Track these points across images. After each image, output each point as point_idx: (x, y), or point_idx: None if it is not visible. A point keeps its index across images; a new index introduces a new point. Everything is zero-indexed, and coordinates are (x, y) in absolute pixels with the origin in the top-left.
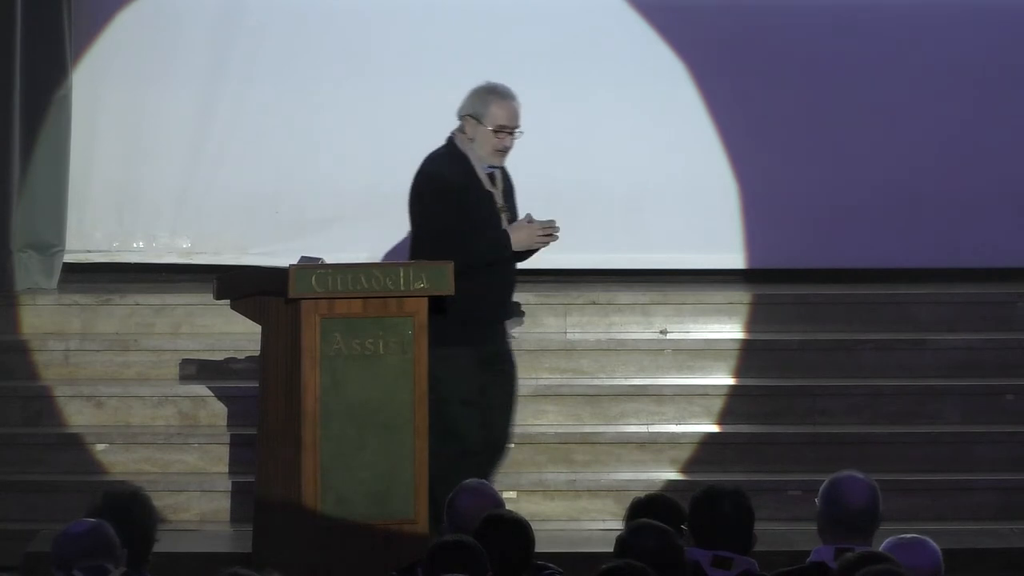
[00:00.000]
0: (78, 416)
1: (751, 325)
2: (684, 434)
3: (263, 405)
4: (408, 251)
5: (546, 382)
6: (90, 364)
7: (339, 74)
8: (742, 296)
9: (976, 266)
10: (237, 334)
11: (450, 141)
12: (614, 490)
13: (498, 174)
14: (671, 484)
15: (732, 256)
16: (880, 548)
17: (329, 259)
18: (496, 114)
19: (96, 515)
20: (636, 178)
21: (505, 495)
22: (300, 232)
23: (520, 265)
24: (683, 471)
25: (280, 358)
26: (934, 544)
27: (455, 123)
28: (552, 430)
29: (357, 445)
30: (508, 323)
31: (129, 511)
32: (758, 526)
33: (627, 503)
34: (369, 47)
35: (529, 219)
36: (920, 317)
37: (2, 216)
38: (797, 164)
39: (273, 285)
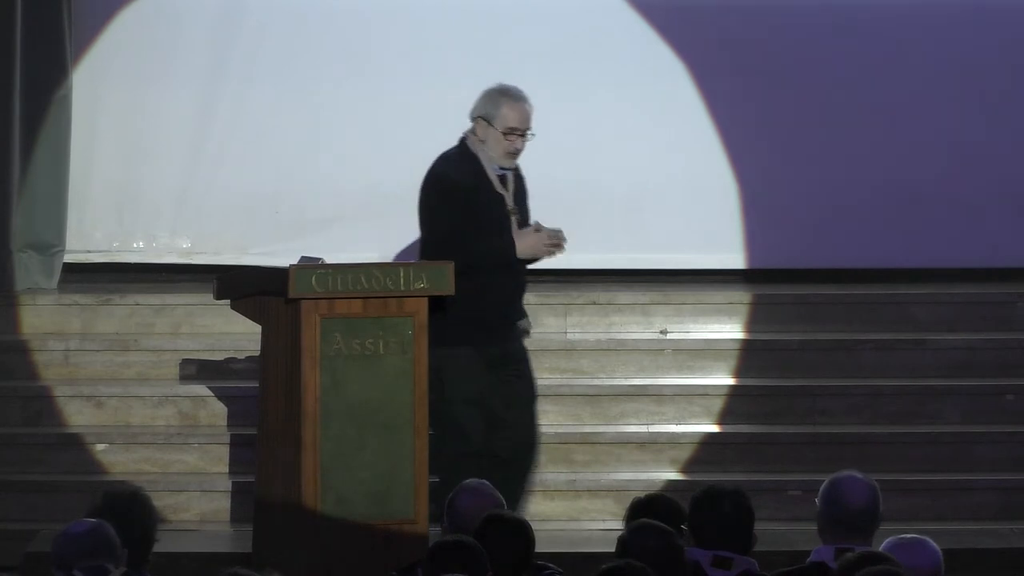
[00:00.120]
0: (78, 416)
1: (751, 325)
2: (684, 434)
3: (263, 405)
4: (407, 251)
5: (546, 382)
6: (90, 364)
7: (339, 74)
8: (742, 296)
9: (976, 266)
10: (237, 334)
11: (462, 142)
12: (614, 490)
13: (510, 176)
14: (671, 484)
15: (732, 256)
16: (880, 548)
17: (329, 259)
18: (507, 116)
19: (96, 515)
20: (636, 178)
21: None
22: (300, 232)
23: None
24: (683, 471)
25: (280, 358)
26: (934, 544)
27: (455, 123)
28: (552, 430)
29: (357, 445)
30: (520, 324)
31: (129, 511)
32: (758, 526)
33: (627, 503)
34: (369, 47)
35: (537, 227)
36: (920, 317)
37: (2, 216)
38: (797, 164)
39: (273, 285)
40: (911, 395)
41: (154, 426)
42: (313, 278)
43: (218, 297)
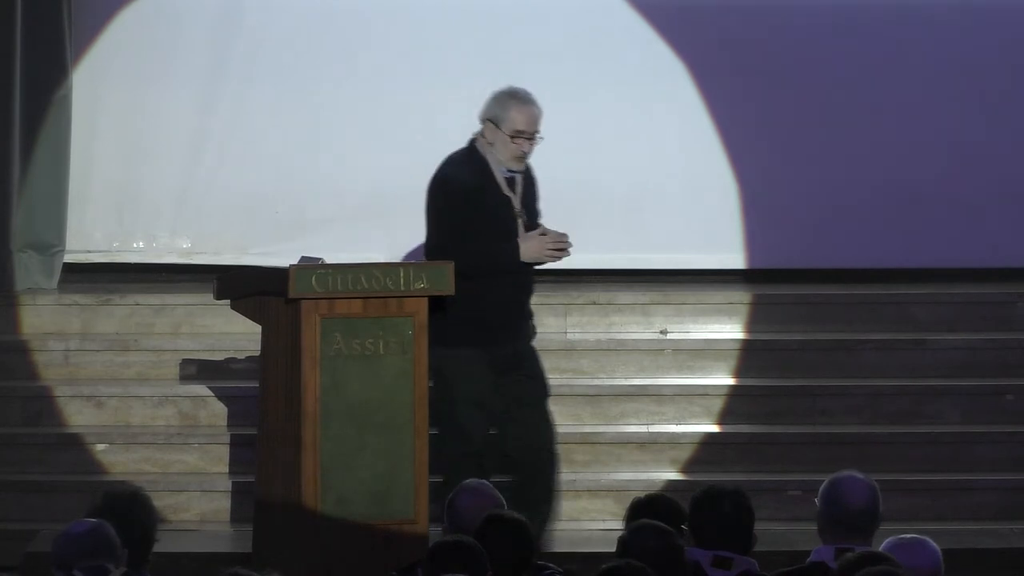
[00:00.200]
0: (78, 416)
1: (751, 325)
2: (684, 434)
3: (263, 405)
4: (408, 251)
5: None
6: (90, 364)
7: (339, 74)
8: (742, 296)
9: (976, 266)
10: (237, 334)
11: (471, 144)
12: (614, 490)
13: (519, 178)
14: (671, 484)
15: (732, 256)
16: (880, 548)
17: (329, 259)
18: (515, 119)
19: (96, 515)
20: (636, 178)
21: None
22: (300, 232)
23: None
24: (683, 471)
25: (280, 358)
26: (934, 544)
27: (455, 123)
28: None
29: (357, 445)
30: (528, 325)
31: (129, 511)
32: (758, 526)
33: (627, 503)
34: (369, 47)
35: (543, 231)
36: (920, 317)
37: (2, 216)
38: (797, 164)
39: (273, 285)
40: (911, 395)
41: (154, 426)
42: (313, 278)
43: (218, 297)
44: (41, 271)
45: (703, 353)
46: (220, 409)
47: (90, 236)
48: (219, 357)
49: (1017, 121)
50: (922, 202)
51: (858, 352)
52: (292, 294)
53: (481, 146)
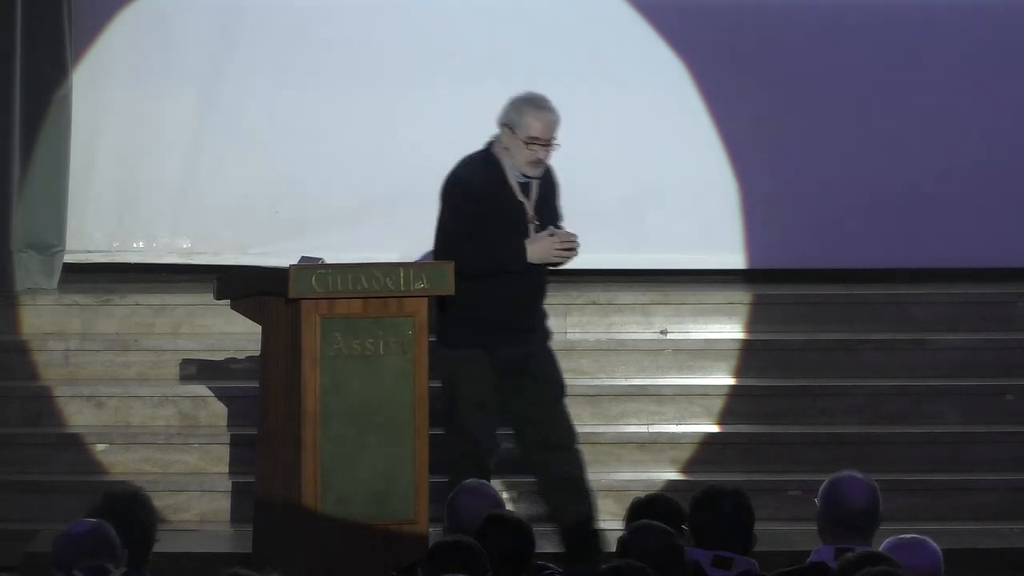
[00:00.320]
0: (78, 416)
1: (751, 325)
2: (684, 434)
3: (263, 405)
4: (408, 251)
5: None
6: (90, 364)
7: (339, 74)
8: (742, 296)
9: (976, 266)
10: (237, 334)
11: (488, 146)
12: (614, 490)
13: (534, 184)
14: (671, 484)
15: (732, 256)
16: (880, 548)
17: (329, 259)
18: (530, 125)
19: (96, 515)
20: (636, 178)
21: (504, 495)
22: (300, 232)
23: None
24: (683, 471)
25: (280, 358)
26: (934, 544)
27: (455, 123)
28: None
29: (357, 445)
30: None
31: (129, 511)
32: (758, 526)
33: (627, 503)
34: (369, 47)
35: (551, 231)
36: (920, 317)
37: (2, 216)
38: (797, 164)
39: (273, 285)
40: (911, 395)
41: (154, 426)
42: (313, 278)
43: (218, 297)
44: (41, 271)
45: (703, 353)
46: (220, 409)
47: (90, 236)
48: (219, 357)
49: (1018, 121)
50: (922, 202)
51: (858, 352)
52: (292, 294)
53: (497, 150)
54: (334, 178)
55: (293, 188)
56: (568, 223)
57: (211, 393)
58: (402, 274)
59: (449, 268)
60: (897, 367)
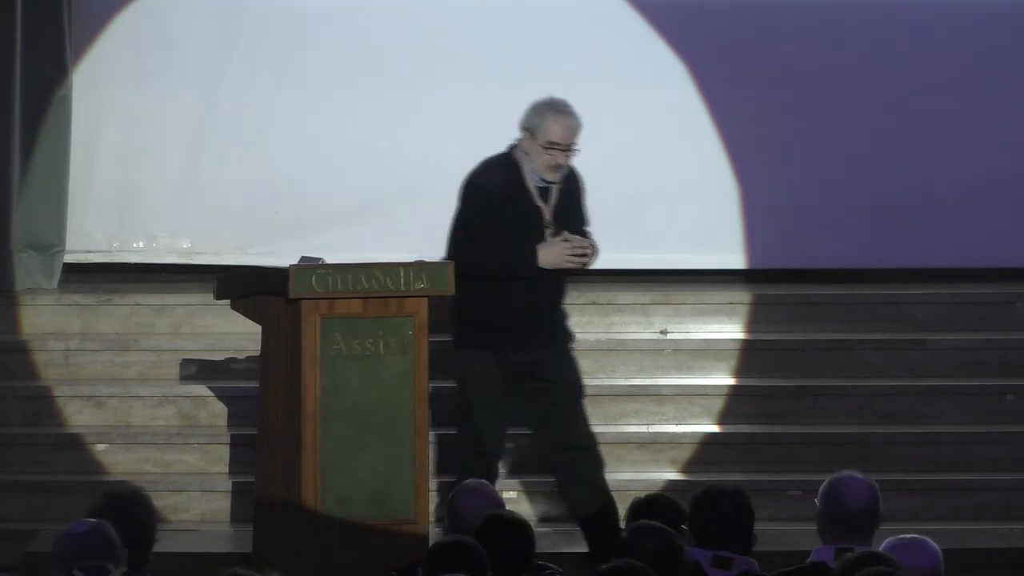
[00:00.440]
0: (78, 416)
1: (751, 325)
2: (684, 434)
3: (263, 405)
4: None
5: None
6: (90, 364)
7: (339, 74)
8: (742, 296)
9: (976, 266)
10: (237, 334)
11: (509, 150)
12: (614, 490)
13: (553, 189)
14: (671, 484)
15: (732, 256)
16: (880, 548)
17: (329, 259)
18: (550, 130)
19: (96, 515)
20: (636, 178)
21: (505, 495)
22: (300, 232)
23: None
24: (683, 471)
25: (280, 358)
26: (934, 544)
27: (455, 123)
28: None
29: (357, 445)
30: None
31: (129, 511)
32: (758, 526)
33: (627, 503)
34: (369, 47)
35: (565, 236)
36: (920, 317)
37: (2, 216)
38: (797, 164)
39: (273, 285)
40: (911, 395)
41: (154, 426)
42: (313, 278)
43: (218, 297)
44: (41, 271)
45: (703, 353)
46: (220, 409)
47: (90, 236)
48: (219, 357)
49: (1018, 121)
50: (922, 202)
51: (858, 352)
52: (292, 294)
53: (517, 153)
54: (334, 178)
55: (293, 188)
56: None
57: (211, 393)
58: (402, 274)
59: (449, 268)
60: (897, 367)
